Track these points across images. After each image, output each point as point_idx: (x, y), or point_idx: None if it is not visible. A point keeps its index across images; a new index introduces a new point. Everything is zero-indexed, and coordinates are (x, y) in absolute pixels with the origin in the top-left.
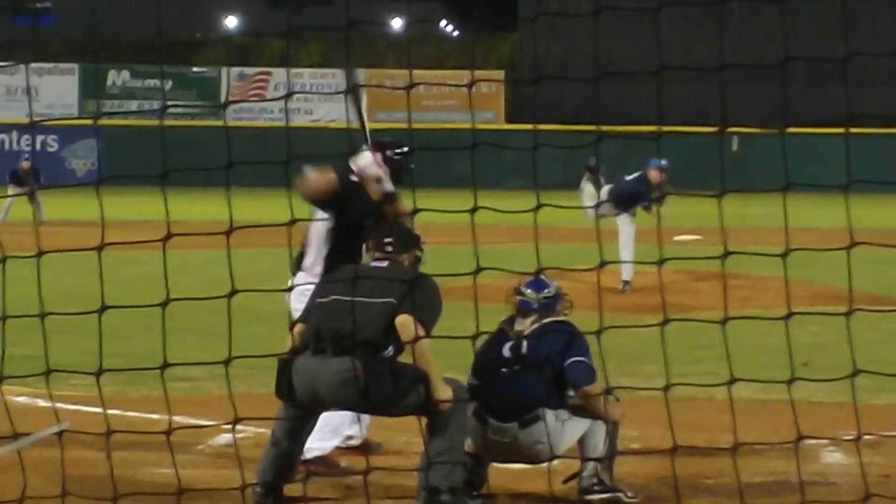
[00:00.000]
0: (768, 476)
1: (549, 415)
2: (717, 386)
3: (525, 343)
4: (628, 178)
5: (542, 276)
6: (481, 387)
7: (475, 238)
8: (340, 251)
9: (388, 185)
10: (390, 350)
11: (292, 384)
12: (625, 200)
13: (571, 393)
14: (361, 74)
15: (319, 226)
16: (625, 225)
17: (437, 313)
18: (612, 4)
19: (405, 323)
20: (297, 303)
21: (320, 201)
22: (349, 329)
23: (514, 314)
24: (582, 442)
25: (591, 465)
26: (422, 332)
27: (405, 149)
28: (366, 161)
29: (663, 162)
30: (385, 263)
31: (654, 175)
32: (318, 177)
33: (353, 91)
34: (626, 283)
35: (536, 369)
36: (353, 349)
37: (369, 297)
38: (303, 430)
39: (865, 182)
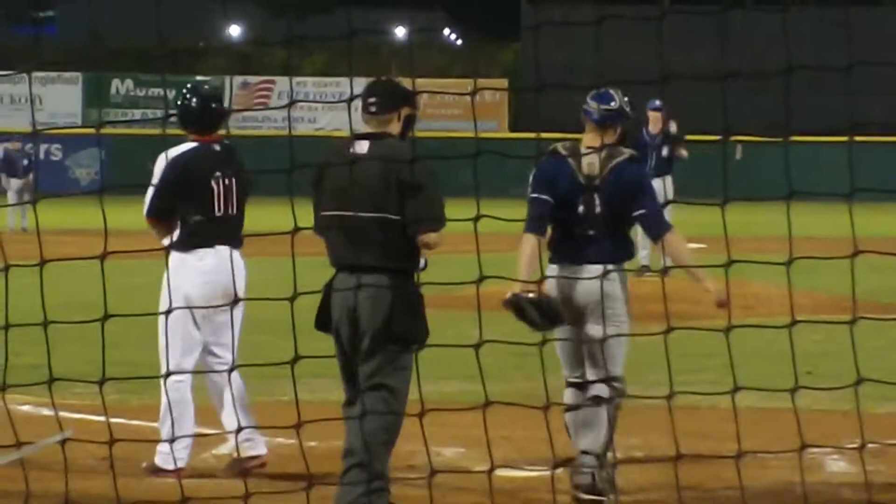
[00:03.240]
0: (772, 485)
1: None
2: (720, 395)
3: (598, 199)
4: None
5: (609, 90)
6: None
7: (478, 246)
8: None
9: None
10: (412, 267)
11: (330, 312)
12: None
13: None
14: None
15: None
16: None
17: (439, 204)
18: (614, 13)
19: (429, 242)
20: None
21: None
22: (366, 249)
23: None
24: (581, 428)
25: (588, 459)
26: (436, 238)
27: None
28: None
29: (657, 102)
30: (366, 145)
31: (652, 120)
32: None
33: None
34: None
35: (610, 233)
36: (382, 268)
37: (369, 211)
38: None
39: (869, 191)
